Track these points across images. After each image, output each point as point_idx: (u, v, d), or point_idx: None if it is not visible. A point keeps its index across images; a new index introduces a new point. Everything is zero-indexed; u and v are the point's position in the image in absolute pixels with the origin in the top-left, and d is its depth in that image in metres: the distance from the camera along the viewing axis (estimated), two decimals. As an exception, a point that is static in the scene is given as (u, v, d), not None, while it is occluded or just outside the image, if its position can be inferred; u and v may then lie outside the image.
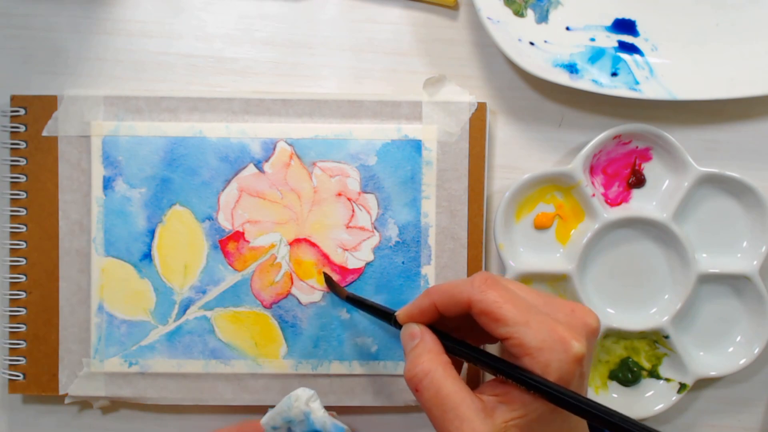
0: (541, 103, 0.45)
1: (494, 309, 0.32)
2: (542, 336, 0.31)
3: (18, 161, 0.43)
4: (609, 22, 0.44)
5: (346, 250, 0.43)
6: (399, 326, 0.36)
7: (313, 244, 0.43)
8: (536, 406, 0.31)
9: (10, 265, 0.43)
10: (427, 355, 0.33)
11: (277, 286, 0.43)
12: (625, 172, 0.44)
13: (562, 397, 0.30)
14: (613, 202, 0.44)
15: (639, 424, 0.29)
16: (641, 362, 0.45)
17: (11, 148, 0.43)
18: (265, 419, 0.38)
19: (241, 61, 0.44)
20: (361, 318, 0.43)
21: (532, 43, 0.42)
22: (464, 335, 0.36)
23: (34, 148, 0.43)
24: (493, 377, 0.33)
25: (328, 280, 0.43)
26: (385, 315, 0.38)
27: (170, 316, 0.43)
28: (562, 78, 0.42)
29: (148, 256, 0.43)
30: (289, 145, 0.43)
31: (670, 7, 0.44)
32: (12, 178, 0.43)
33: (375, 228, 0.43)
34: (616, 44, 0.43)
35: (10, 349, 0.43)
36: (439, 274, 0.43)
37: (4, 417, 0.45)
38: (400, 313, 0.36)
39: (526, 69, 0.41)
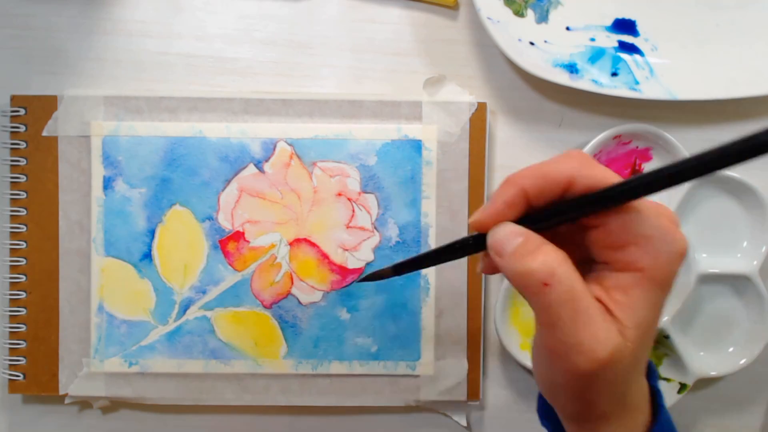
0: (541, 103, 0.45)
1: (605, 185, 0.26)
2: (653, 222, 0.26)
3: (18, 161, 0.43)
4: (609, 22, 0.44)
5: (346, 250, 0.43)
6: (484, 247, 0.29)
7: (313, 244, 0.43)
8: (652, 312, 0.28)
9: (10, 265, 0.43)
10: (549, 246, 0.27)
11: (277, 286, 0.43)
12: (625, 172, 0.44)
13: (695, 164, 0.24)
14: (613, 202, 0.44)
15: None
16: (641, 362, 0.45)
17: (11, 148, 0.43)
18: None
19: (241, 61, 0.44)
20: (361, 318, 0.43)
21: (532, 43, 0.42)
22: None
23: (34, 148, 0.43)
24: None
25: (368, 279, 0.36)
26: (460, 247, 0.30)
27: (170, 316, 0.43)
28: (562, 78, 0.42)
29: (148, 256, 0.43)
30: (289, 145, 0.43)
31: (670, 7, 0.44)
32: (12, 178, 0.43)
33: (375, 228, 0.43)
34: (616, 44, 0.43)
35: (10, 349, 0.43)
36: (440, 274, 0.43)
37: (4, 417, 0.45)
38: (479, 218, 0.28)
39: (526, 69, 0.41)
